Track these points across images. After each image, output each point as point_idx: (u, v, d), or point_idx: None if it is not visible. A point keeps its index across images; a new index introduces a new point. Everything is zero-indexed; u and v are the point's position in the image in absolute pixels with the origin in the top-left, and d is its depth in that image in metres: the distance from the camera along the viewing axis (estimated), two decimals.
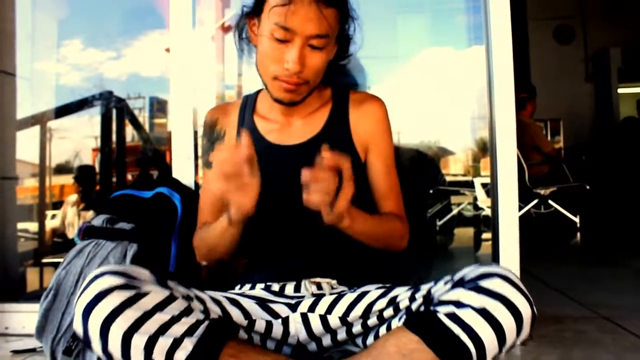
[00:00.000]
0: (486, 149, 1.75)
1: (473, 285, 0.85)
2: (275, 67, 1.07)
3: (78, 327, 0.82)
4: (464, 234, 4.54)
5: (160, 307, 0.83)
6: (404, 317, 0.96)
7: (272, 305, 1.07)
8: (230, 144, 0.94)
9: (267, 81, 1.12)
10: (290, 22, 1.02)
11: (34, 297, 1.70)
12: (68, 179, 4.02)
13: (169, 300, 0.85)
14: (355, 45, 1.21)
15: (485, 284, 0.85)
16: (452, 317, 0.83)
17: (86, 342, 0.82)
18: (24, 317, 1.69)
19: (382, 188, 1.20)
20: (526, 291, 0.86)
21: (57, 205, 4.11)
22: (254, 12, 1.11)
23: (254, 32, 1.14)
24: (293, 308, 1.07)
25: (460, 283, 0.88)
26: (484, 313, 0.82)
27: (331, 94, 1.23)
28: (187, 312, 0.86)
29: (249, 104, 1.25)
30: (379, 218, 1.16)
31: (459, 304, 0.84)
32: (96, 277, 0.84)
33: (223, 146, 0.94)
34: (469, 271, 0.89)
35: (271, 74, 1.09)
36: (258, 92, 1.26)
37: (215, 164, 0.94)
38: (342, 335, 1.05)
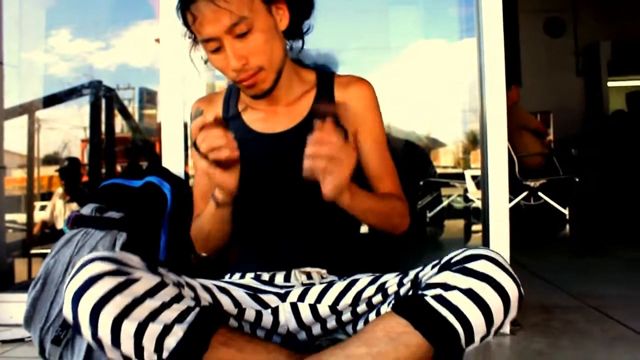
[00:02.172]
0: (477, 141, 1.76)
1: (459, 267, 0.86)
2: (230, 74, 1.07)
3: (68, 313, 0.82)
4: (454, 225, 4.57)
5: (150, 293, 0.83)
6: (393, 302, 0.96)
7: (262, 296, 1.07)
8: (202, 121, 0.93)
9: (238, 86, 1.14)
10: (205, 30, 1.02)
11: (22, 287, 1.69)
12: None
13: (160, 286, 0.85)
14: None
15: (471, 265, 0.85)
16: (439, 299, 0.83)
17: (76, 328, 0.81)
18: (12, 307, 1.68)
19: (375, 169, 1.18)
20: (512, 272, 0.86)
21: (46, 196, 4.08)
22: (194, 38, 1.11)
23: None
24: (283, 298, 1.07)
25: (447, 266, 0.88)
26: (470, 294, 0.82)
27: (315, 79, 1.21)
28: (177, 298, 0.86)
29: (233, 93, 1.24)
30: (379, 195, 1.14)
31: (445, 286, 0.84)
32: (86, 262, 0.83)
33: (196, 124, 0.92)
34: (456, 254, 0.90)
35: (232, 80, 1.10)
36: None
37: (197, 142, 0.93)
38: (331, 323, 1.05)
